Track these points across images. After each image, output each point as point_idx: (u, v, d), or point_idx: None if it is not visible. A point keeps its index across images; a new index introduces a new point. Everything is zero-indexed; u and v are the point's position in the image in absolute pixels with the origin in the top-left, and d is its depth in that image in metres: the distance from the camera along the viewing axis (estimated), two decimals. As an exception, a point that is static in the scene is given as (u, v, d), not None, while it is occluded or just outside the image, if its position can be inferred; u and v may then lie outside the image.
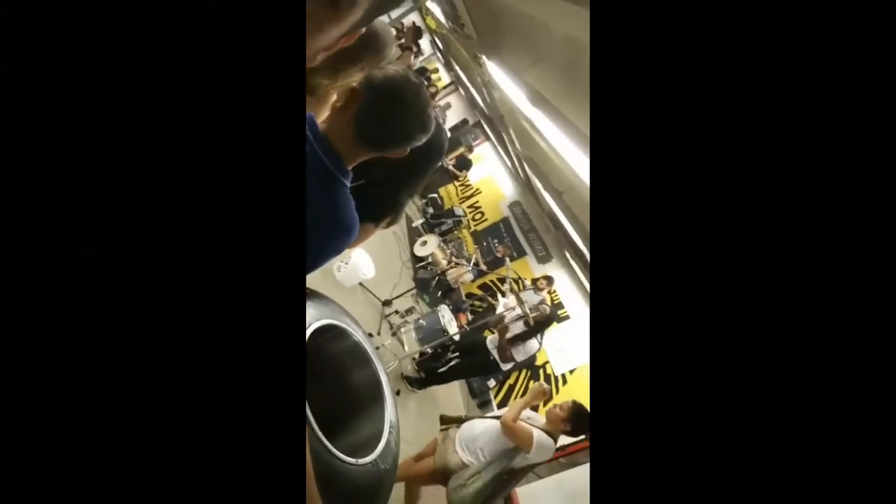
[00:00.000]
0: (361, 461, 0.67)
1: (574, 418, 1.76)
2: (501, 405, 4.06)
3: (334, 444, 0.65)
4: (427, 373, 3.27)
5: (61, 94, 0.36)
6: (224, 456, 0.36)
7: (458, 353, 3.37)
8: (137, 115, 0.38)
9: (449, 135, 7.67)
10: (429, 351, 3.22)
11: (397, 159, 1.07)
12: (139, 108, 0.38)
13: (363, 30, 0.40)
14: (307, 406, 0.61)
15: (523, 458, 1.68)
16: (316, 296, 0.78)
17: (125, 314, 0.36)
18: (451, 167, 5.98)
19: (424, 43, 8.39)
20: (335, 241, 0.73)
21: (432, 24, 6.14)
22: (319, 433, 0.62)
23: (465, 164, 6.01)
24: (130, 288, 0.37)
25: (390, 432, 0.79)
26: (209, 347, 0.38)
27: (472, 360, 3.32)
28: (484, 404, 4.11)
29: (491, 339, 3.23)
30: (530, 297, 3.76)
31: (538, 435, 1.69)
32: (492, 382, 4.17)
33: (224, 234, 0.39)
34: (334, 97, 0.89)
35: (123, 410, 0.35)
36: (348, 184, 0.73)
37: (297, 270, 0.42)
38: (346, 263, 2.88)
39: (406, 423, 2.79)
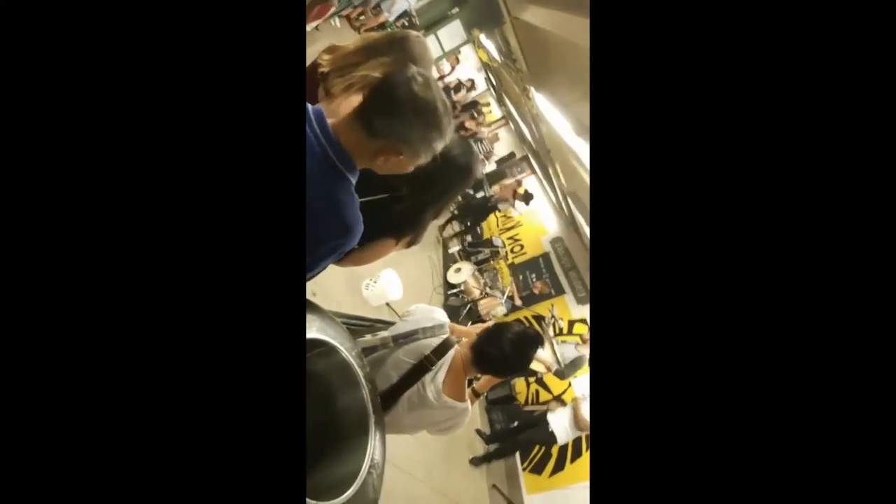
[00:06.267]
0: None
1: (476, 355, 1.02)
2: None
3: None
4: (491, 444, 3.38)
5: (62, 92, 0.37)
6: (218, 459, 0.36)
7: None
8: (136, 115, 0.38)
9: (492, 165, 7.60)
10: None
11: (421, 175, 1.02)
12: (138, 109, 0.38)
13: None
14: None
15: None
16: (309, 306, 0.72)
17: (123, 314, 0.36)
18: (515, 202, 5.61)
19: (479, 78, 8.64)
20: (335, 239, 0.68)
21: (484, 57, 6.29)
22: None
23: (528, 197, 5.64)
24: (128, 288, 0.36)
25: (369, 473, 0.69)
26: (207, 349, 0.37)
27: (531, 434, 3.35)
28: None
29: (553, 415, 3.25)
30: (567, 351, 3.42)
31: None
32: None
33: (224, 235, 0.39)
34: (351, 98, 0.88)
35: (119, 412, 0.35)
36: (353, 181, 0.69)
37: (297, 275, 0.42)
38: (375, 282, 2.85)
39: (441, 471, 2.61)
